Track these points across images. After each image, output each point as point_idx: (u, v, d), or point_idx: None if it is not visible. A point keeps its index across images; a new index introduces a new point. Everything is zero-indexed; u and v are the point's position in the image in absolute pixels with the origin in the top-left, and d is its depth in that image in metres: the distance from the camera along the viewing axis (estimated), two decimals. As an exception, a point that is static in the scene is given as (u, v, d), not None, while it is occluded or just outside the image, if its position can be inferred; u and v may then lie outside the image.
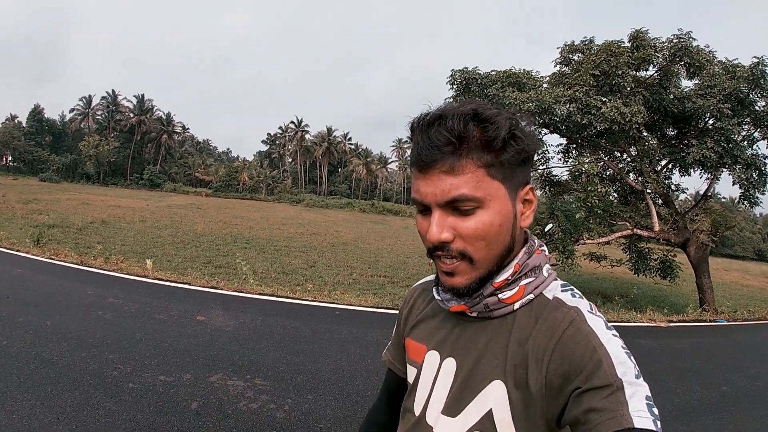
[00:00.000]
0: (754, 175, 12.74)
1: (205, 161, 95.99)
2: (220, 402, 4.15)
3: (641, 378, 0.75)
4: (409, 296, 1.16)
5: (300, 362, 5.36)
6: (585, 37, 14.33)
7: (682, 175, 14.54)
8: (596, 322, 0.82)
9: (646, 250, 16.06)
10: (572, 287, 0.91)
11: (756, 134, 13.25)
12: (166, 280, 9.02)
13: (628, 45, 13.03)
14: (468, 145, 0.80)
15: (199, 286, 8.81)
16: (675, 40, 12.55)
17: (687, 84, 13.66)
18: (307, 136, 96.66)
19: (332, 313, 8.00)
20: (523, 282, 0.88)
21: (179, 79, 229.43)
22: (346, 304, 8.70)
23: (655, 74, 13.32)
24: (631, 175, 14.99)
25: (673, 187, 15.28)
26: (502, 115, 0.81)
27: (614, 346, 0.77)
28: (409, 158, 0.89)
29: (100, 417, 3.67)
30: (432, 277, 1.10)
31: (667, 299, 16.25)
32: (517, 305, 0.88)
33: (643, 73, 13.52)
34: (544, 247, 0.94)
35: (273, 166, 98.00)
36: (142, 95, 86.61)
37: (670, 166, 14.85)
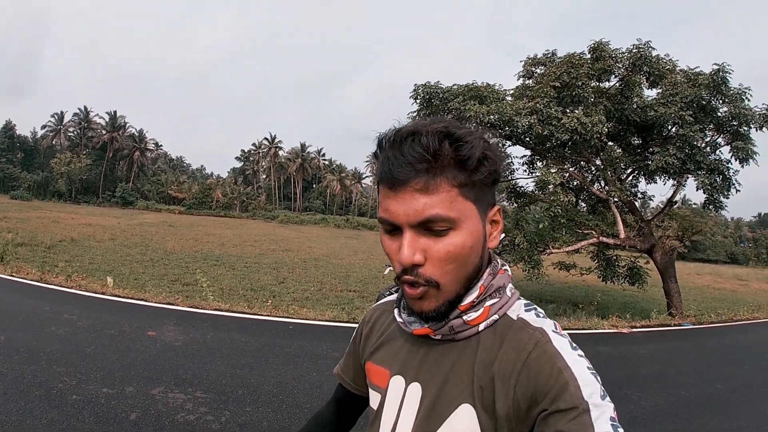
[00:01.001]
0: (718, 180, 12.92)
1: (178, 178, 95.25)
2: (159, 414, 4.15)
3: (607, 398, 0.74)
4: (369, 316, 1.11)
5: (244, 375, 5.34)
6: (547, 50, 14.64)
7: (648, 183, 14.80)
8: (562, 343, 0.81)
9: (614, 257, 16.22)
10: (535, 306, 0.91)
11: (719, 140, 13.43)
12: (124, 297, 8.88)
13: (589, 56, 13.26)
14: (443, 164, 0.77)
15: (156, 302, 8.69)
16: (634, 50, 12.80)
17: (650, 93, 13.95)
18: (280, 153, 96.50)
19: (286, 327, 7.94)
20: (488, 303, 0.86)
21: (153, 96, 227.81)
22: (302, 319, 8.62)
23: (617, 84, 13.56)
24: (596, 184, 15.20)
25: (639, 194, 15.53)
26: (475, 135, 0.80)
27: (580, 367, 0.77)
28: (376, 176, 0.85)
29: (42, 426, 3.77)
30: (392, 297, 1.08)
31: (638, 305, 16.43)
32: (482, 326, 0.86)
33: (605, 84, 13.76)
34: (507, 267, 0.93)
35: (247, 183, 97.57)
36: (115, 112, 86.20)
37: (635, 174, 15.10)
